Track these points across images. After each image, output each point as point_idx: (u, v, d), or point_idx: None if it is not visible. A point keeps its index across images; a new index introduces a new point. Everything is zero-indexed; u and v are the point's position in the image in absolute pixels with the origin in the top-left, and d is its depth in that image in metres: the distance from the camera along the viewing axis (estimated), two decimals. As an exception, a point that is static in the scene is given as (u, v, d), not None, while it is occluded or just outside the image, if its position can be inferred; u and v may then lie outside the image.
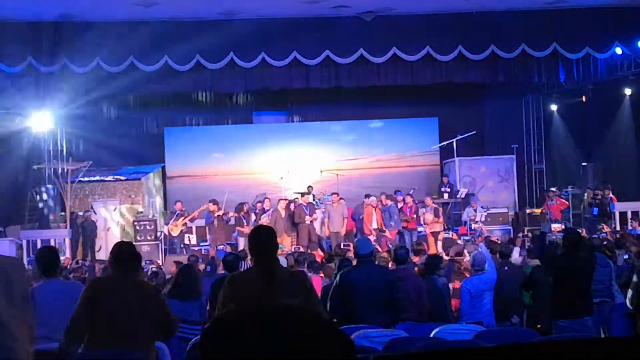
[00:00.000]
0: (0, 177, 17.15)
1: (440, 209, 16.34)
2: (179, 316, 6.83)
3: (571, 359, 1.57)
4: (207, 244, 15.83)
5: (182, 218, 15.96)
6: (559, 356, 1.59)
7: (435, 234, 15.60)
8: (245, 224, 15.67)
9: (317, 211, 16.09)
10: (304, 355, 1.13)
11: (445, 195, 17.24)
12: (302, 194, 16.67)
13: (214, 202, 15.89)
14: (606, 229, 14.11)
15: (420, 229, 15.74)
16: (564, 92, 18.96)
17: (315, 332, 1.17)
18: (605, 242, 10.63)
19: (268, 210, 15.94)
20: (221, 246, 14.66)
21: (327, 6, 15.55)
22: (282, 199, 16.17)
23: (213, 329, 1.19)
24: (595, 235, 12.70)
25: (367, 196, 16.25)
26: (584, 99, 18.33)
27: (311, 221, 15.70)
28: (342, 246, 12.36)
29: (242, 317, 1.18)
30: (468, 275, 8.74)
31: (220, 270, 10.63)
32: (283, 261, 8.88)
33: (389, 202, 15.76)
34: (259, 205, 16.17)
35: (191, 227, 16.38)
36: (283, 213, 15.55)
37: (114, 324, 4.53)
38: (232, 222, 16.04)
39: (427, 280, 7.42)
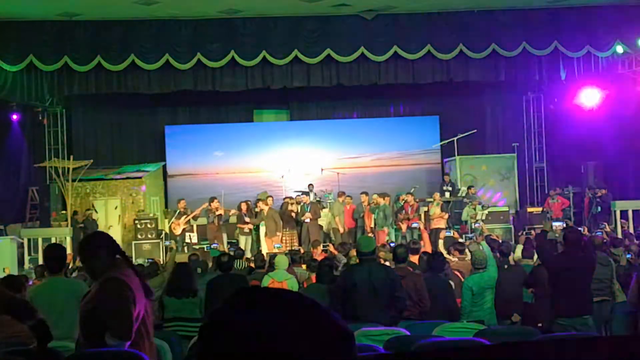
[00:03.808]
0: (1, 175, 17.17)
1: (445, 206, 16.41)
2: (178, 314, 6.87)
3: (572, 357, 1.58)
4: (208, 242, 15.84)
5: (185, 216, 15.97)
6: (560, 355, 1.59)
7: (437, 231, 15.59)
8: (246, 222, 15.69)
9: (324, 210, 16.12)
10: (303, 344, 1.14)
11: (447, 194, 17.23)
12: (304, 193, 16.70)
13: (214, 199, 15.93)
14: (607, 228, 14.10)
15: (414, 225, 15.65)
16: (564, 90, 18.93)
17: (315, 320, 1.17)
18: (604, 241, 10.63)
19: (261, 210, 15.93)
20: (215, 245, 14.68)
21: (327, 4, 15.55)
22: (269, 197, 16.20)
23: (209, 324, 1.19)
24: (599, 233, 12.69)
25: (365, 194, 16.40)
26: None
27: (312, 220, 15.72)
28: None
29: (238, 310, 1.18)
30: (459, 274, 8.77)
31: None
32: (285, 259, 8.91)
33: (382, 201, 15.74)
34: (260, 203, 16.16)
35: (192, 226, 16.38)
36: (275, 212, 15.62)
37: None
38: (234, 220, 16.07)
39: (432, 277, 7.43)
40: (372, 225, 15.56)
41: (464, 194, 17.34)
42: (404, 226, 15.70)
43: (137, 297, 3.77)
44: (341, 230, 15.98)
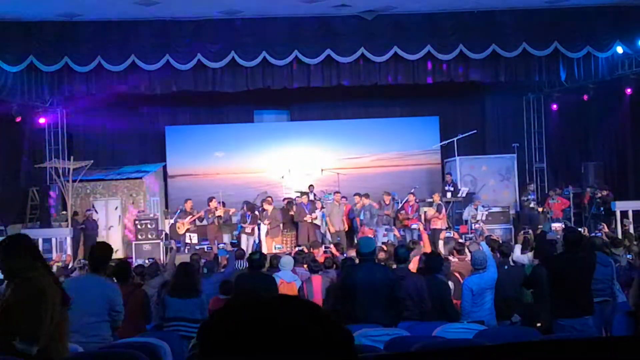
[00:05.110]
0: (1, 175, 17.17)
1: (443, 207, 16.39)
2: (180, 314, 6.87)
3: (572, 358, 1.58)
4: (208, 242, 15.86)
5: (190, 217, 16.00)
6: (560, 355, 1.60)
7: (437, 232, 15.59)
8: (248, 222, 15.72)
9: (316, 211, 16.12)
10: (302, 344, 1.14)
11: (449, 194, 17.23)
12: (302, 193, 16.71)
13: (212, 199, 15.97)
14: (605, 228, 14.10)
15: (414, 226, 15.67)
16: (564, 91, 18.95)
17: (314, 322, 1.18)
18: (605, 241, 10.63)
19: (265, 211, 15.95)
20: (222, 244, 14.71)
21: (328, 5, 15.55)
22: (264, 199, 16.24)
23: (210, 323, 1.20)
24: (599, 234, 12.69)
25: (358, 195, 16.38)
26: (585, 97, 18.34)
27: (311, 220, 15.73)
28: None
29: (240, 310, 1.19)
30: (458, 275, 8.77)
31: (222, 269, 10.66)
32: (290, 259, 8.93)
33: (367, 202, 15.74)
34: (264, 203, 16.19)
35: (195, 226, 16.41)
36: (276, 213, 15.65)
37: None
38: (237, 219, 16.11)
39: (430, 278, 7.42)
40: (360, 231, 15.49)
41: (464, 195, 17.32)
42: (396, 231, 15.71)
43: (52, 302, 3.77)
44: (331, 229, 15.95)
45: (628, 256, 9.69)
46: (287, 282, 8.26)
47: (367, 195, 15.91)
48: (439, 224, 15.82)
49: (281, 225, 15.75)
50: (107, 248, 5.80)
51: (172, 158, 19.53)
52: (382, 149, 20.21)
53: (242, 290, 7.47)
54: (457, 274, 8.87)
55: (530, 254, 9.79)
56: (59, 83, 16.36)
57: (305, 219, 15.73)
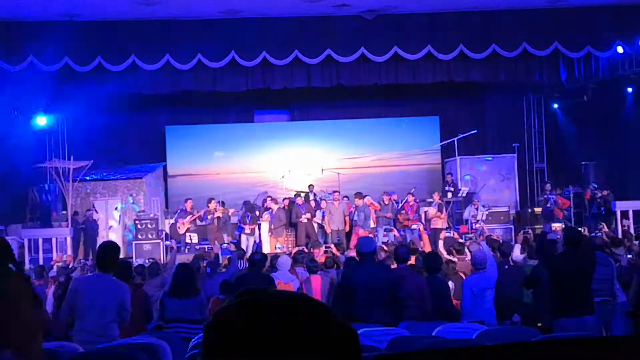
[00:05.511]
0: (1, 175, 17.16)
1: (444, 206, 16.40)
2: (179, 315, 6.86)
3: (572, 358, 1.58)
4: (208, 242, 15.86)
5: (190, 217, 16.02)
6: (560, 355, 1.60)
7: (437, 231, 15.59)
8: (248, 222, 15.73)
9: (318, 210, 16.12)
10: (305, 344, 1.14)
11: (449, 194, 17.22)
12: (299, 193, 16.71)
13: (212, 200, 15.98)
14: (605, 228, 14.10)
15: (414, 226, 15.65)
16: (565, 91, 18.95)
17: (317, 321, 1.18)
18: (605, 241, 10.62)
19: (270, 209, 15.97)
20: (225, 244, 14.73)
21: (328, 5, 15.55)
22: (270, 197, 16.26)
23: (211, 324, 1.20)
24: (599, 234, 12.69)
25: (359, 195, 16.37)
26: (585, 97, 18.34)
27: (308, 220, 15.73)
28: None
29: (241, 310, 1.18)
30: (462, 276, 8.76)
31: (222, 269, 10.67)
32: (286, 259, 8.92)
33: (360, 203, 15.75)
34: (265, 204, 16.20)
35: (193, 226, 16.41)
36: (281, 213, 15.68)
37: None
38: (237, 219, 16.12)
39: (430, 278, 7.41)
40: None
41: (464, 195, 17.35)
42: (396, 231, 15.71)
43: (24, 307, 3.74)
44: (327, 229, 15.95)
45: (628, 256, 9.69)
46: (284, 282, 8.23)
47: (360, 197, 15.87)
48: (440, 223, 15.80)
49: (284, 224, 15.78)
50: (114, 247, 5.84)
51: (172, 158, 19.53)
52: (382, 149, 20.21)
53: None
54: (461, 274, 8.86)
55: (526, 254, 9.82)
56: (58, 83, 16.36)
57: (301, 219, 15.75)
